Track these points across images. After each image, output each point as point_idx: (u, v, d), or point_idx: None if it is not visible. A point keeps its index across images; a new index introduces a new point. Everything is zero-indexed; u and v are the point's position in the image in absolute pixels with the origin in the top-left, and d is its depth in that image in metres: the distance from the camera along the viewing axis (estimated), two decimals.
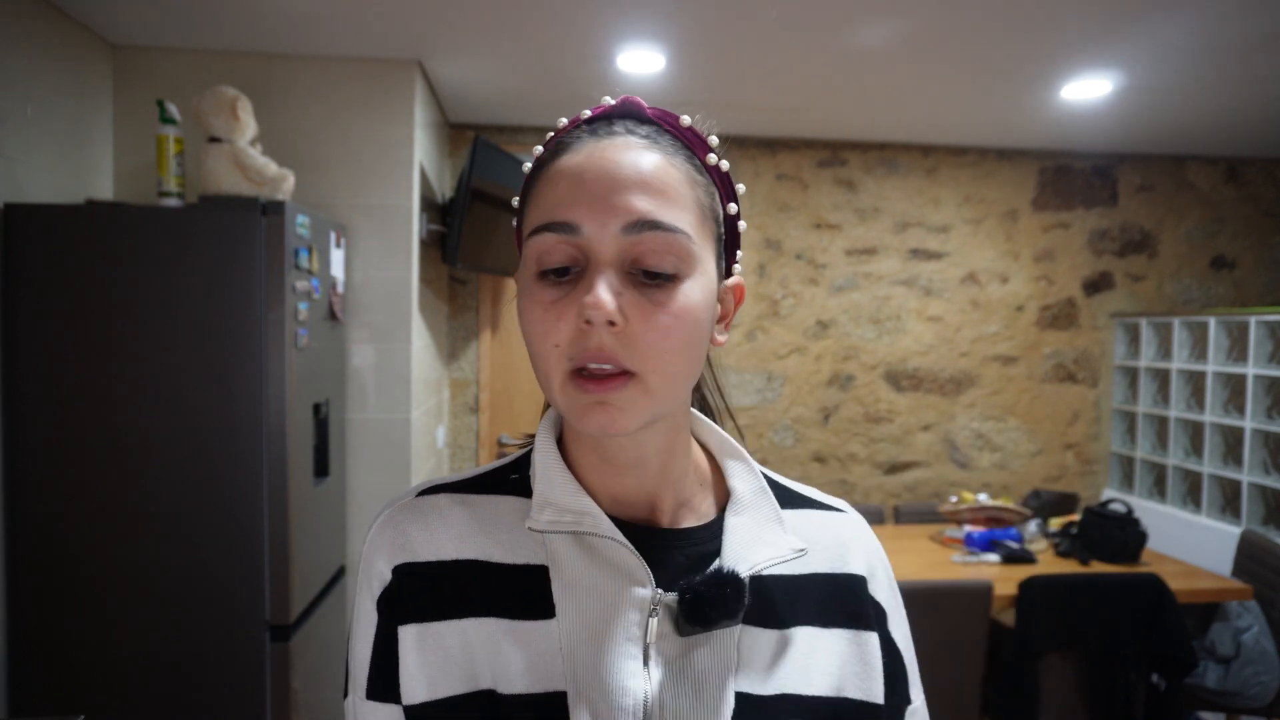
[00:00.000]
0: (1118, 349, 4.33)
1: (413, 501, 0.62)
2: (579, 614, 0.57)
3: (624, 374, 0.53)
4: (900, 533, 3.32)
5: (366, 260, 2.89)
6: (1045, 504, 3.56)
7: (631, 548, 0.57)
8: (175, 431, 2.08)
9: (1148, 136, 3.92)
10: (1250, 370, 3.56)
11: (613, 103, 0.61)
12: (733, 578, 0.57)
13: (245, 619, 2.11)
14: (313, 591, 2.38)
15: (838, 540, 0.66)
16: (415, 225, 2.93)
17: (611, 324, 0.52)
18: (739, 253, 0.64)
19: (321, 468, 2.48)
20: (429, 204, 3.26)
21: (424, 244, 3.14)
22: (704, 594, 0.56)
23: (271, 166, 2.30)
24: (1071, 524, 3.06)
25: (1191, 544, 3.68)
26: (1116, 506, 2.97)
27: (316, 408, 2.43)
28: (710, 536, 0.62)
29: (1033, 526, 3.13)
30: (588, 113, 0.60)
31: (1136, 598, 2.48)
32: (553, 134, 0.61)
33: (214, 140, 2.26)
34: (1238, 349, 3.73)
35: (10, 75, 2.17)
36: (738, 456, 0.66)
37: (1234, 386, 3.75)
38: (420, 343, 3.12)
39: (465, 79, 3.13)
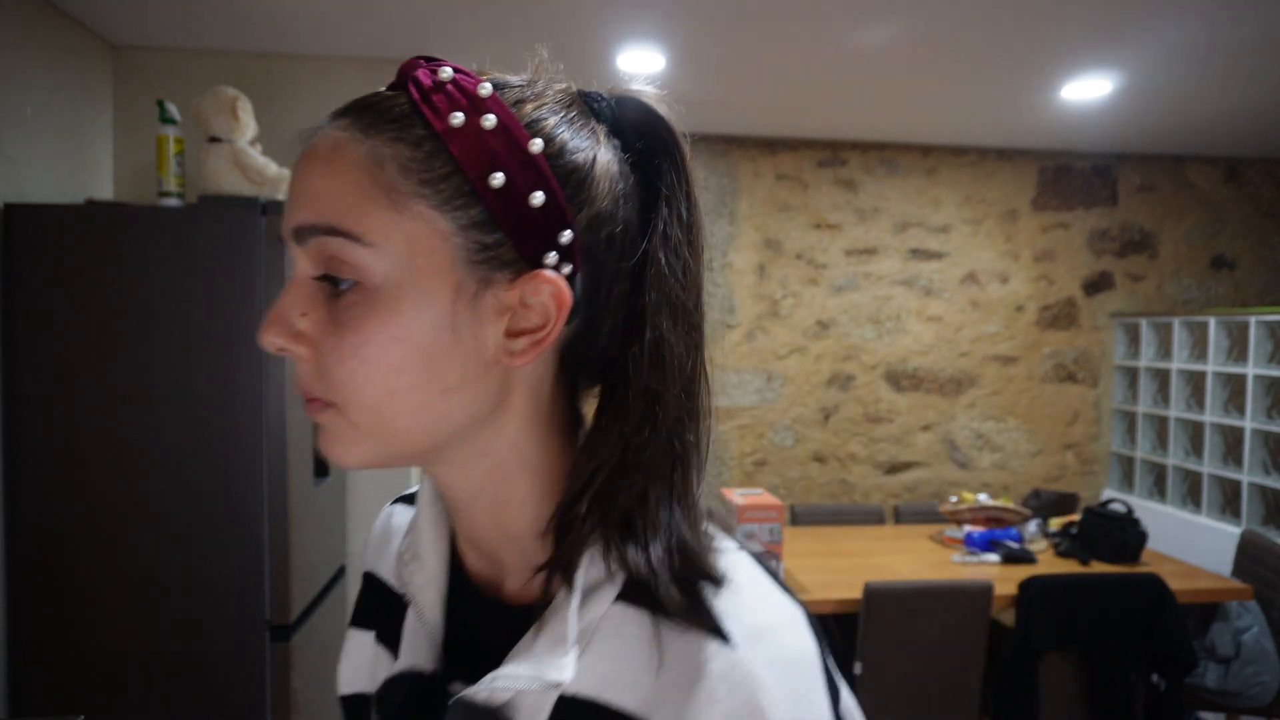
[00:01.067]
0: (1118, 349, 4.33)
1: (385, 510, 0.66)
2: (402, 664, 0.54)
3: (326, 402, 0.47)
4: (900, 533, 3.32)
5: None
6: (1045, 504, 3.56)
7: (433, 623, 0.54)
8: (175, 431, 2.08)
9: (1148, 136, 3.92)
10: (1250, 370, 3.56)
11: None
12: (432, 689, 0.51)
13: (245, 619, 2.11)
14: (313, 591, 2.37)
15: (682, 682, 0.43)
16: None
17: (281, 350, 0.47)
18: (566, 235, 0.45)
19: (321, 468, 2.48)
20: None
21: None
22: (389, 697, 0.54)
23: (271, 166, 2.30)
24: (1071, 524, 3.06)
25: (1191, 544, 3.68)
26: (1116, 507, 2.97)
27: None
28: (519, 623, 0.48)
29: (1033, 527, 3.13)
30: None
31: (1136, 598, 2.48)
32: None
33: (214, 140, 2.26)
34: (1238, 349, 3.73)
35: (10, 75, 2.17)
36: (593, 547, 0.47)
37: (1234, 386, 3.75)
38: None
39: None
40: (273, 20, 2.53)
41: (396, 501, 0.66)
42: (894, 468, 4.20)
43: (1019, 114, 3.54)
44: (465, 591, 0.54)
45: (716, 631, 0.44)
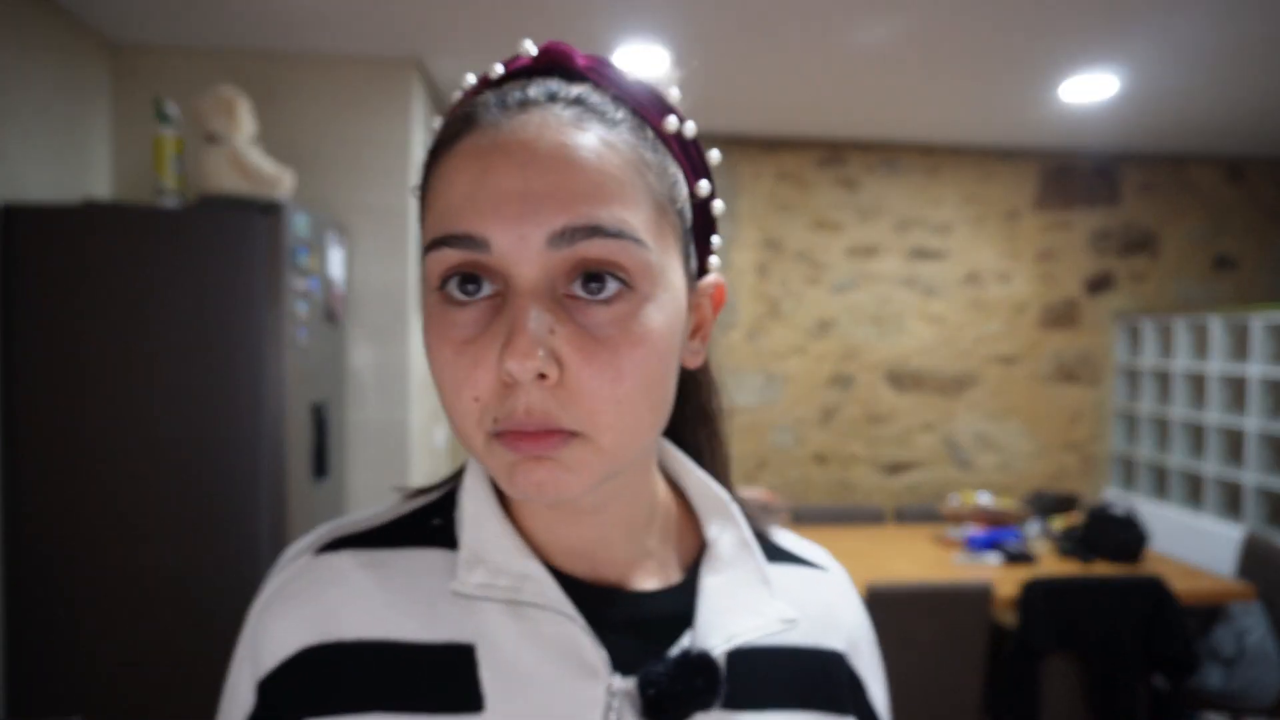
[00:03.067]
0: (1119, 349, 4.32)
1: (311, 563, 0.50)
2: (515, 710, 0.45)
3: (567, 431, 0.40)
4: (901, 533, 3.31)
5: (366, 260, 2.88)
6: (1046, 505, 3.55)
7: (584, 624, 0.46)
8: (174, 431, 2.08)
9: (1150, 136, 3.91)
10: (1252, 370, 3.55)
11: (534, 53, 0.45)
12: (704, 662, 0.46)
13: (244, 619, 2.10)
14: None
15: (823, 608, 0.55)
16: (415, 225, 2.92)
17: (543, 376, 0.39)
18: (715, 240, 0.48)
19: (320, 468, 2.48)
20: None
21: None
22: (669, 687, 0.45)
23: (270, 166, 2.30)
24: (1073, 525, 3.05)
25: (1193, 545, 3.67)
26: (1118, 507, 2.96)
27: (315, 408, 2.43)
28: (679, 600, 0.50)
29: (1034, 527, 3.12)
30: (500, 68, 0.45)
31: (1138, 599, 2.48)
32: (460, 97, 0.47)
33: (213, 140, 2.26)
34: (1240, 349, 3.72)
35: (9, 75, 2.16)
36: (716, 499, 0.53)
37: (1236, 387, 3.74)
38: (419, 343, 3.11)
39: (465, 78, 3.12)
40: (273, 20, 2.53)
41: (327, 550, 0.50)
42: (895, 468, 4.20)
43: (1020, 113, 3.53)
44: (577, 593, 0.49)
45: (809, 564, 0.57)
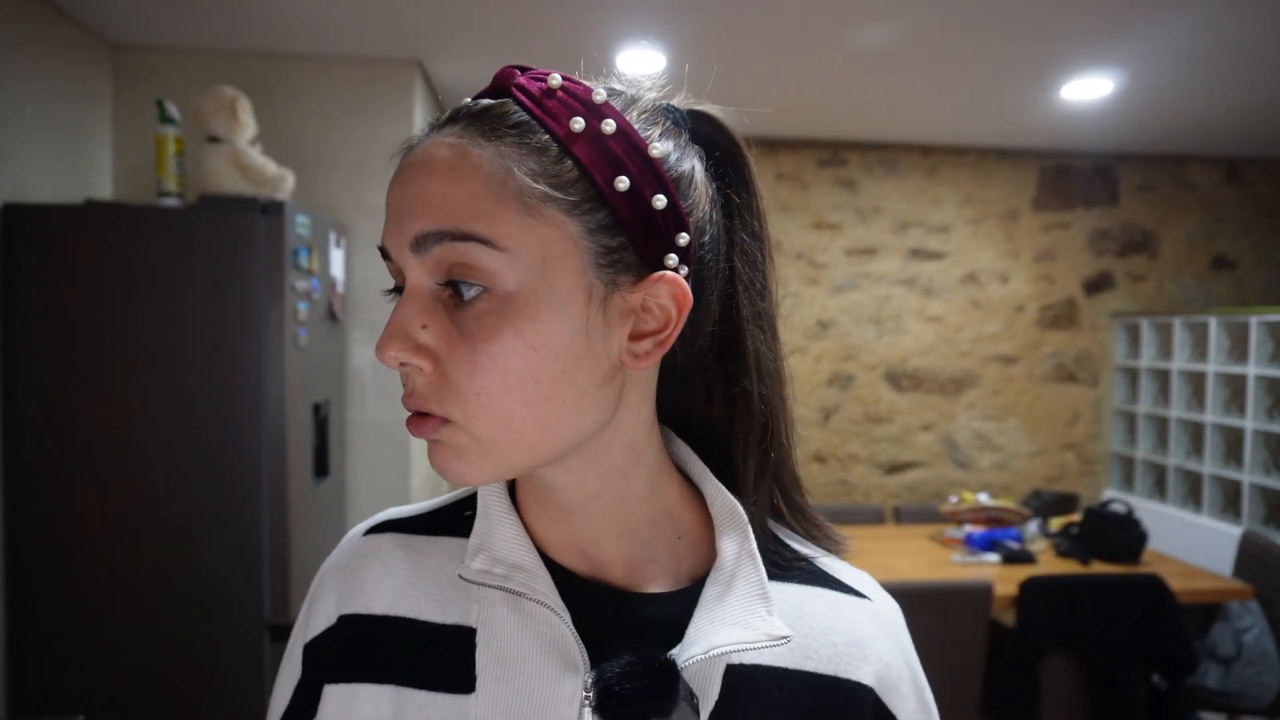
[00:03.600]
0: (1118, 349, 4.33)
1: (361, 542, 0.55)
2: (501, 694, 0.48)
3: (437, 418, 0.45)
4: (900, 533, 3.32)
5: (366, 260, 2.89)
6: (1045, 504, 3.56)
7: (567, 620, 0.48)
8: (175, 431, 2.08)
9: (1148, 136, 3.91)
10: (1251, 370, 3.56)
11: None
12: (665, 668, 0.46)
13: (245, 619, 2.10)
14: None
15: (850, 636, 0.53)
16: None
17: (404, 365, 0.44)
18: (683, 238, 0.47)
19: (321, 468, 2.48)
20: None
21: None
22: (617, 686, 0.46)
23: (271, 166, 2.30)
24: (1072, 524, 3.05)
25: (1192, 544, 3.68)
26: (1117, 507, 2.96)
27: (316, 408, 2.43)
28: (679, 606, 0.51)
29: (1033, 527, 3.12)
30: (467, 101, 0.48)
31: (1137, 598, 2.48)
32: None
33: (214, 140, 2.26)
34: (1238, 349, 3.73)
35: (10, 75, 2.17)
36: (728, 510, 0.53)
37: (1234, 387, 3.74)
38: None
39: (465, 79, 3.13)
40: (273, 20, 2.53)
41: (374, 531, 0.56)
42: (894, 468, 4.20)
43: (1019, 113, 3.53)
44: (573, 589, 0.51)
45: (850, 590, 0.56)
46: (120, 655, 2.09)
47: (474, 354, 0.43)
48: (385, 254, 0.46)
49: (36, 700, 2.10)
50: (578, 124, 0.45)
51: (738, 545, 0.52)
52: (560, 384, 0.44)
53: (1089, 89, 3.12)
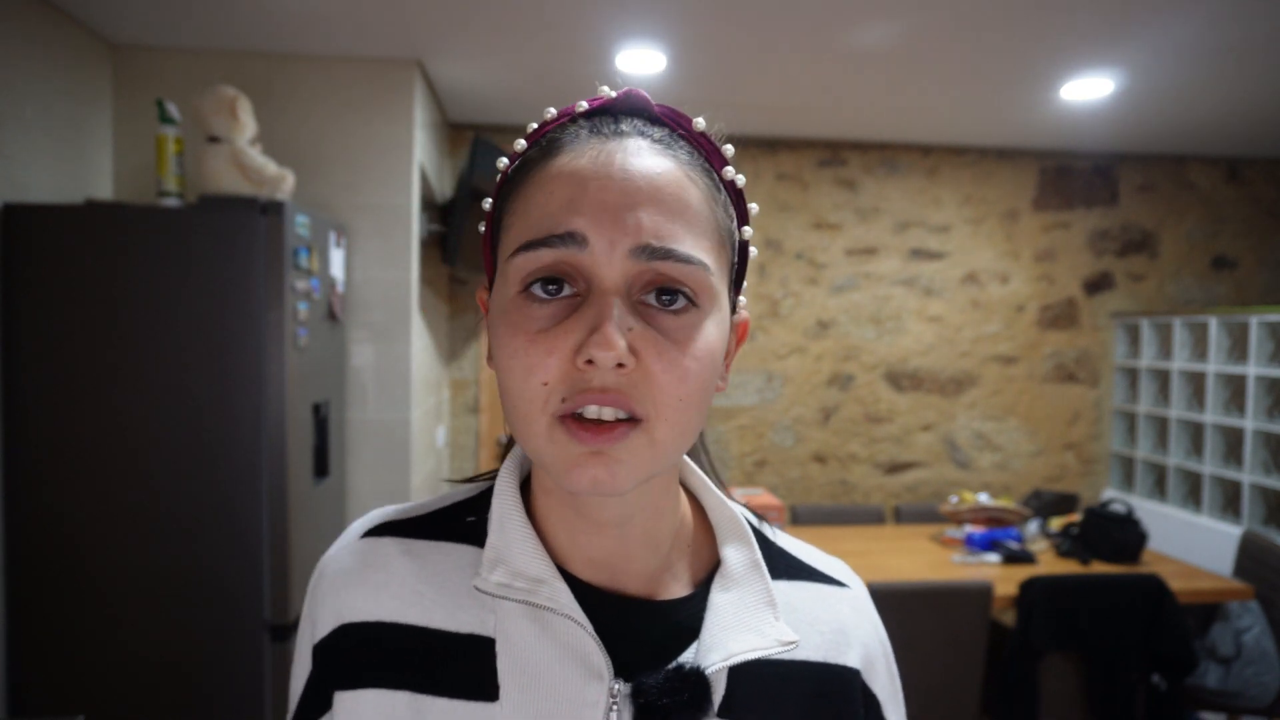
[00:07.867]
0: (1118, 349, 4.33)
1: (360, 545, 0.55)
2: (526, 702, 0.49)
3: (629, 421, 0.45)
4: (900, 533, 3.32)
5: (366, 260, 2.89)
6: (1046, 504, 3.56)
7: (591, 631, 0.49)
8: (175, 431, 2.08)
9: (1148, 136, 3.91)
10: (1251, 370, 3.56)
11: (613, 95, 0.51)
12: (696, 678, 0.49)
13: (245, 619, 2.11)
14: None
15: (836, 625, 0.57)
16: (415, 225, 2.93)
17: (621, 365, 0.43)
18: (744, 284, 0.55)
19: (321, 468, 2.48)
20: (429, 204, 3.25)
21: (424, 244, 3.13)
22: (657, 698, 0.48)
23: (271, 166, 2.30)
24: (1072, 524, 3.06)
25: (1192, 544, 3.68)
26: (1117, 507, 2.96)
27: (316, 407, 2.43)
28: (691, 612, 0.53)
29: (1033, 527, 3.12)
30: (584, 104, 0.51)
31: (1137, 598, 2.48)
32: (538, 127, 0.52)
33: (214, 140, 2.26)
34: (1238, 349, 3.73)
35: (10, 75, 2.17)
36: (733, 519, 0.56)
37: (1234, 387, 3.74)
38: (420, 343, 3.11)
39: (465, 79, 3.13)
40: (273, 20, 2.53)
41: (373, 534, 0.56)
42: (894, 468, 4.20)
43: (1019, 113, 3.53)
44: (590, 599, 0.52)
45: (828, 579, 0.60)
46: (120, 655, 2.09)
47: (684, 359, 0.45)
48: (571, 240, 0.45)
49: (37, 700, 2.10)
50: (728, 171, 0.52)
51: (742, 554, 0.55)
52: (710, 397, 0.48)
53: (1089, 89, 3.12)
